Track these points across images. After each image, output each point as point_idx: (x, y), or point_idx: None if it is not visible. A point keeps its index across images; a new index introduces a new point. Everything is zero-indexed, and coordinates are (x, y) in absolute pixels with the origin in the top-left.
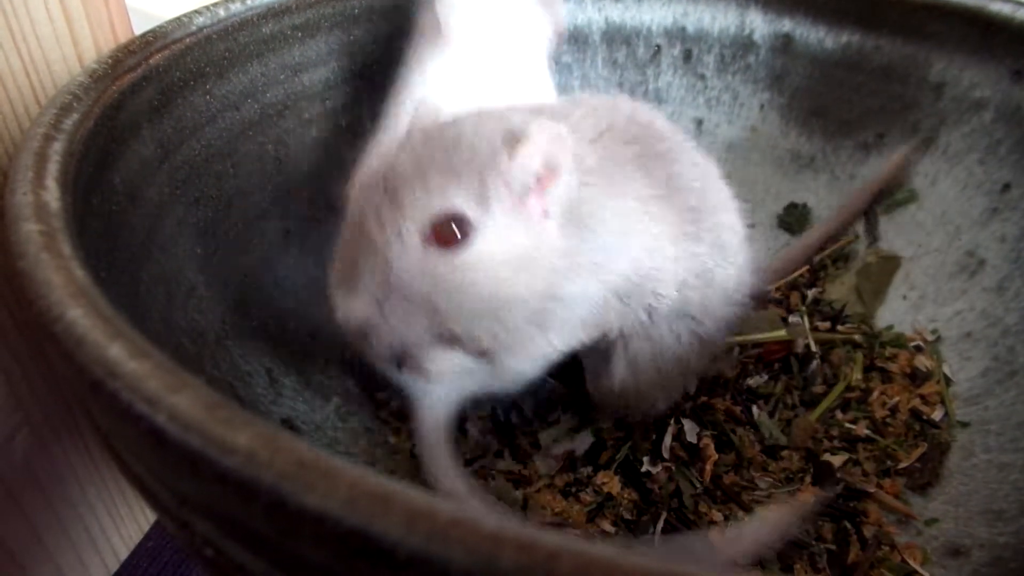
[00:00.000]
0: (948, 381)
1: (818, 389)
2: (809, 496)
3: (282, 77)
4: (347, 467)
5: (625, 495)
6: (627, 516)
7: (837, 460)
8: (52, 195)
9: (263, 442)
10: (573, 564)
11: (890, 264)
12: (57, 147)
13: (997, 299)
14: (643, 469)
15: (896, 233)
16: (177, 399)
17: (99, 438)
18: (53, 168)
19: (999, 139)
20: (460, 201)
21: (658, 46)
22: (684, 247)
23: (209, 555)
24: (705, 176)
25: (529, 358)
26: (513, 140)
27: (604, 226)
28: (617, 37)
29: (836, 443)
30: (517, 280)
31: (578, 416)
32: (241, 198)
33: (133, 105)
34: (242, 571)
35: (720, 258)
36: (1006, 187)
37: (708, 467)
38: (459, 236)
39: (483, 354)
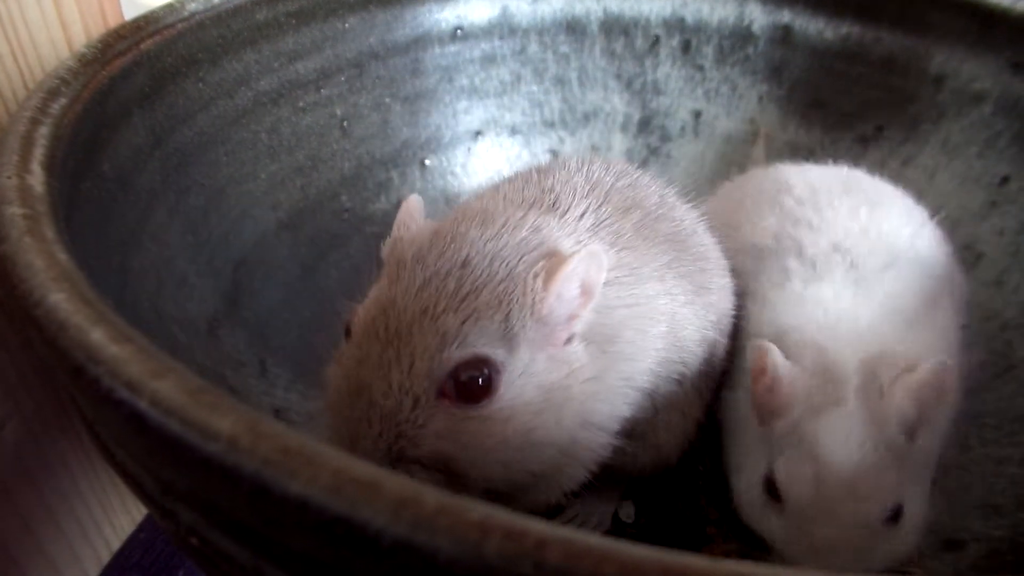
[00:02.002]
0: None
1: None
2: None
3: (276, 65)
4: (332, 453)
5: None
6: (624, 514)
7: None
8: (37, 179)
9: (246, 428)
10: (562, 553)
11: None
12: (44, 131)
13: (996, 293)
14: None
15: None
16: (159, 384)
17: (84, 425)
18: (39, 152)
19: (998, 132)
20: (483, 344)
21: (656, 37)
22: (701, 302)
23: (194, 544)
24: (688, 211)
25: (553, 493)
26: (547, 267)
27: (630, 327)
28: (615, 27)
29: None
30: (547, 421)
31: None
32: (234, 187)
33: (123, 91)
34: (228, 560)
35: (727, 298)
36: (1005, 180)
37: None
38: (482, 385)
39: (496, 496)
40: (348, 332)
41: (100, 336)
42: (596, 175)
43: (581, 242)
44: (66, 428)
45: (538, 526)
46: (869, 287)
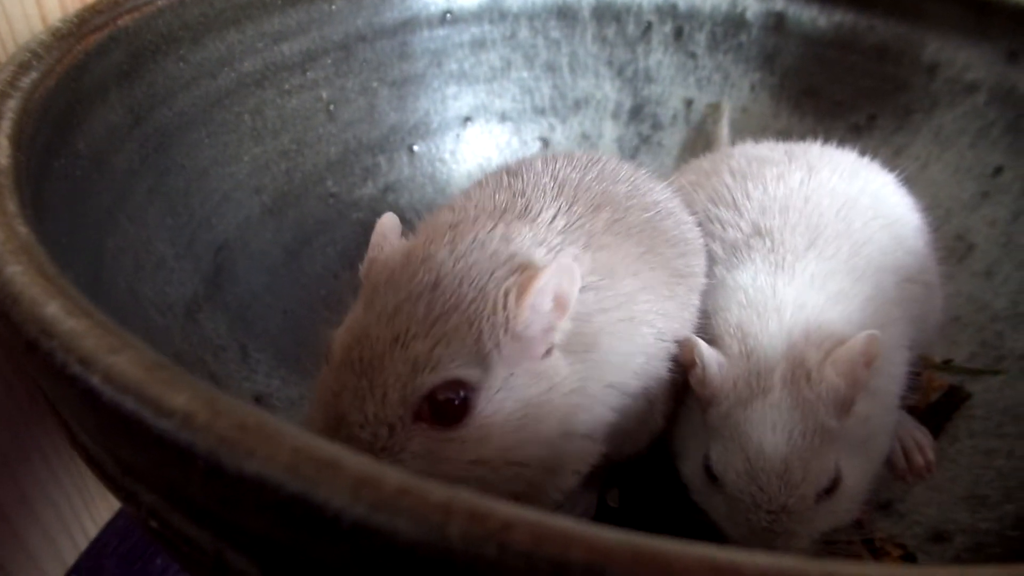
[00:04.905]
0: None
1: None
2: None
3: (260, 45)
4: (291, 431)
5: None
6: (611, 499)
7: None
8: (3, 152)
9: (202, 404)
10: (528, 536)
11: None
12: (12, 105)
13: (986, 284)
14: None
15: None
16: (114, 359)
17: (46, 404)
18: (6, 125)
19: (991, 122)
20: (455, 366)
21: (649, 23)
22: (683, 288)
23: (155, 527)
24: (662, 192)
25: (543, 501)
26: (518, 282)
27: (609, 332)
28: (607, 13)
29: None
30: (528, 436)
31: None
32: (216, 169)
33: (99, 67)
34: (189, 543)
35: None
36: (998, 171)
37: None
38: (458, 405)
39: None
40: (328, 358)
41: (55, 310)
42: (562, 173)
43: (554, 248)
44: (41, 413)
45: (504, 508)
46: (791, 269)
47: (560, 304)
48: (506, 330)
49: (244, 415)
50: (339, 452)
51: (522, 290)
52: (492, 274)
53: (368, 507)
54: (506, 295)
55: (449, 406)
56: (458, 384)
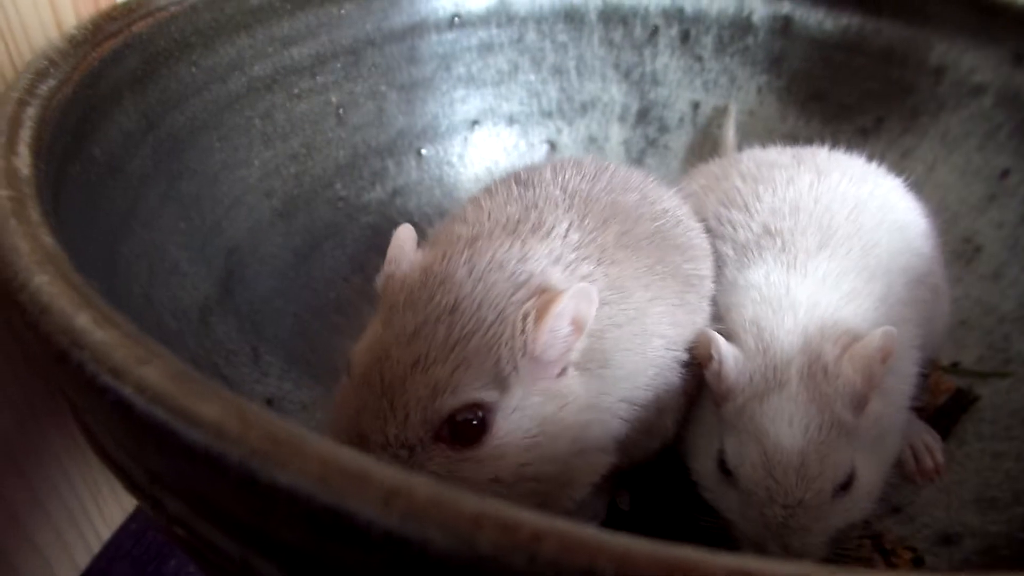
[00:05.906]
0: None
1: None
2: None
3: (270, 50)
4: (321, 442)
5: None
6: (621, 502)
7: None
8: (23, 161)
9: (233, 415)
10: (557, 546)
11: None
12: (31, 113)
13: (993, 286)
14: None
15: None
16: (145, 370)
17: (72, 413)
18: (26, 134)
19: (999, 124)
20: (475, 389)
21: (656, 26)
22: (693, 295)
23: (181, 535)
24: (671, 199)
25: (554, 510)
26: (537, 305)
27: (622, 347)
28: (614, 16)
29: None
30: (542, 454)
31: None
32: (227, 173)
33: (114, 73)
34: (215, 551)
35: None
36: (1005, 173)
37: None
38: (476, 426)
39: None
40: (348, 372)
41: (85, 321)
42: (572, 183)
43: (570, 266)
44: (55, 417)
45: (533, 518)
46: (803, 268)
47: (578, 326)
48: (524, 353)
49: (274, 426)
50: (368, 463)
51: (541, 314)
52: (511, 297)
53: (399, 518)
54: (525, 319)
55: (468, 427)
56: (477, 406)
